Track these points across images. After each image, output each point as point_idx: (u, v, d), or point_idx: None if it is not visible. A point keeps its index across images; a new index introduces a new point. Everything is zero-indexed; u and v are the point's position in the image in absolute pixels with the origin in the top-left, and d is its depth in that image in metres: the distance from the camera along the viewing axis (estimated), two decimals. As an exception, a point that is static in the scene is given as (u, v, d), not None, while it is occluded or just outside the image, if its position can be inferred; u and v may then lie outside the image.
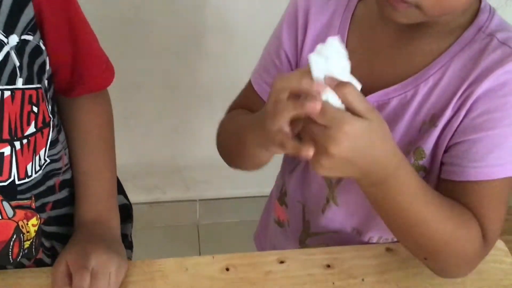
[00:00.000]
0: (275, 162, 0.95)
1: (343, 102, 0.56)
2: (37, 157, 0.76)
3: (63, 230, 0.88)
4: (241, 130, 0.75)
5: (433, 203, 0.67)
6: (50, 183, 0.82)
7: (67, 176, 0.87)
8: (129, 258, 0.99)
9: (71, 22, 0.77)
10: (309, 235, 0.91)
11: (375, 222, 0.82)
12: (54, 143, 0.80)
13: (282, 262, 0.79)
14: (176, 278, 0.76)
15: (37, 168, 0.76)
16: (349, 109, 0.56)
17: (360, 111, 0.56)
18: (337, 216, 0.86)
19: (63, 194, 0.87)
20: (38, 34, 0.72)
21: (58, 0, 0.74)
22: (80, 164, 0.87)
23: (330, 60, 0.56)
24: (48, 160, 0.79)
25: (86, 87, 0.84)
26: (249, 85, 0.88)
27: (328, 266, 0.78)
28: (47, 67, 0.75)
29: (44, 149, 0.77)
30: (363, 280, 0.77)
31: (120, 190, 0.99)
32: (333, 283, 0.76)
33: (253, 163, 0.78)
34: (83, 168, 0.87)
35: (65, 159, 0.85)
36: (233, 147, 0.80)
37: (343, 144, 0.56)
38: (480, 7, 0.72)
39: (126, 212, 0.99)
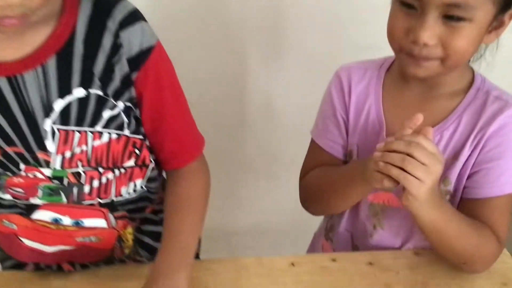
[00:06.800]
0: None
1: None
2: (132, 184, 0.96)
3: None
4: (340, 178, 1.01)
5: (465, 223, 0.92)
6: (141, 204, 1.01)
7: (158, 207, 1.07)
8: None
9: (160, 114, 0.91)
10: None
11: (414, 239, 1.05)
12: (153, 180, 1.00)
13: (334, 260, 1.02)
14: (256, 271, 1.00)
15: (131, 191, 0.96)
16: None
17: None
18: (384, 238, 1.07)
19: (150, 215, 1.07)
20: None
21: (153, 92, 0.88)
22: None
23: None
24: (145, 189, 0.99)
25: (174, 163, 0.97)
26: (316, 149, 1.10)
27: (371, 263, 1.01)
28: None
29: (141, 180, 0.96)
30: (398, 272, 1.00)
31: None
32: (375, 275, 0.99)
33: (351, 200, 1.03)
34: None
35: (161, 193, 1.06)
36: (329, 194, 1.04)
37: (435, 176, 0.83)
38: (474, 75, 0.99)
39: None
